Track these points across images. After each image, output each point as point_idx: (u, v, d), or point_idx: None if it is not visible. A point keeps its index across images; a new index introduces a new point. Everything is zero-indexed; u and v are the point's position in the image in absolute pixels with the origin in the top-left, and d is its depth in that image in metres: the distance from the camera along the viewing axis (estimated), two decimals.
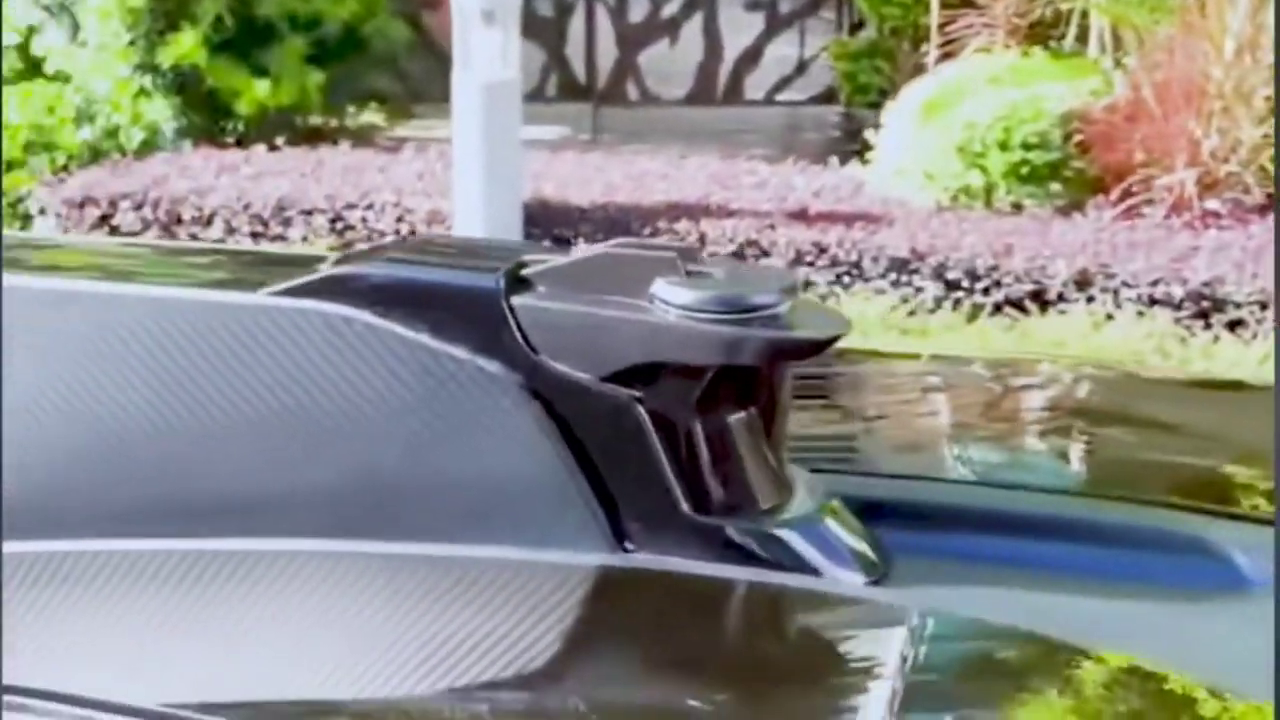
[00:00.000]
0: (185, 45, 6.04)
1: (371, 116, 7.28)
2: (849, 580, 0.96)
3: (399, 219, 5.26)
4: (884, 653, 0.90)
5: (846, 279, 4.89)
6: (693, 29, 8.83)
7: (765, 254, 4.94)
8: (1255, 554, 0.97)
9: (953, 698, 0.87)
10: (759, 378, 1.00)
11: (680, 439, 0.99)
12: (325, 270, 0.99)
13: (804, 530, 0.98)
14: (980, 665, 0.90)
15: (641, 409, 0.98)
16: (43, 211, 5.64)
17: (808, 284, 4.83)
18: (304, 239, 5.18)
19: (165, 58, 6.05)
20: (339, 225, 5.28)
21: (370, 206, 5.31)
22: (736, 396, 0.99)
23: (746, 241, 5.00)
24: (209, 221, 5.35)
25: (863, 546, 1.00)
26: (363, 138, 6.69)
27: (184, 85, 6.19)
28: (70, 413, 1.01)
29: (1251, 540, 0.99)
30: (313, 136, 6.44)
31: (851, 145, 6.43)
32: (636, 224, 5.13)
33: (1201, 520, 1.05)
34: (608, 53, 8.83)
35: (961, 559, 1.01)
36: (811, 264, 4.85)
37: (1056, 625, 0.89)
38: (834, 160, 6.15)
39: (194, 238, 5.34)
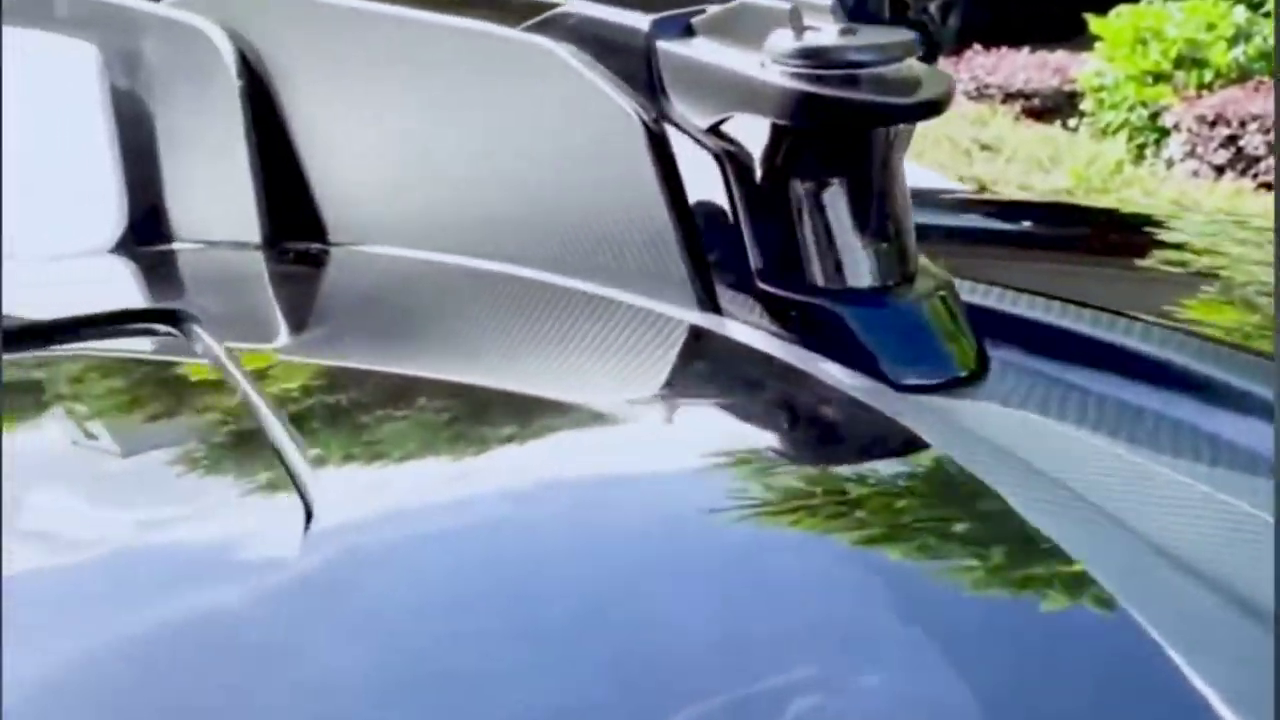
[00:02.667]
0: None
1: None
2: (905, 382, 0.85)
3: None
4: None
5: None
6: None
7: None
8: None
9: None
10: (858, 143, 0.89)
11: (760, 201, 0.92)
12: (558, 10, 1.04)
13: (884, 317, 0.88)
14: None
15: (728, 164, 0.93)
16: (1176, 127, 5.71)
17: None
18: None
19: None
20: None
21: None
22: (829, 161, 0.90)
23: None
24: None
25: (947, 354, 0.88)
26: None
27: None
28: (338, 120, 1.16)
29: None
30: None
31: None
32: None
33: None
34: None
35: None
36: None
37: None
38: None
39: None
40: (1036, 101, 6.42)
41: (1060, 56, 6.71)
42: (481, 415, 0.92)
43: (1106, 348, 0.90)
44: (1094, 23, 6.26)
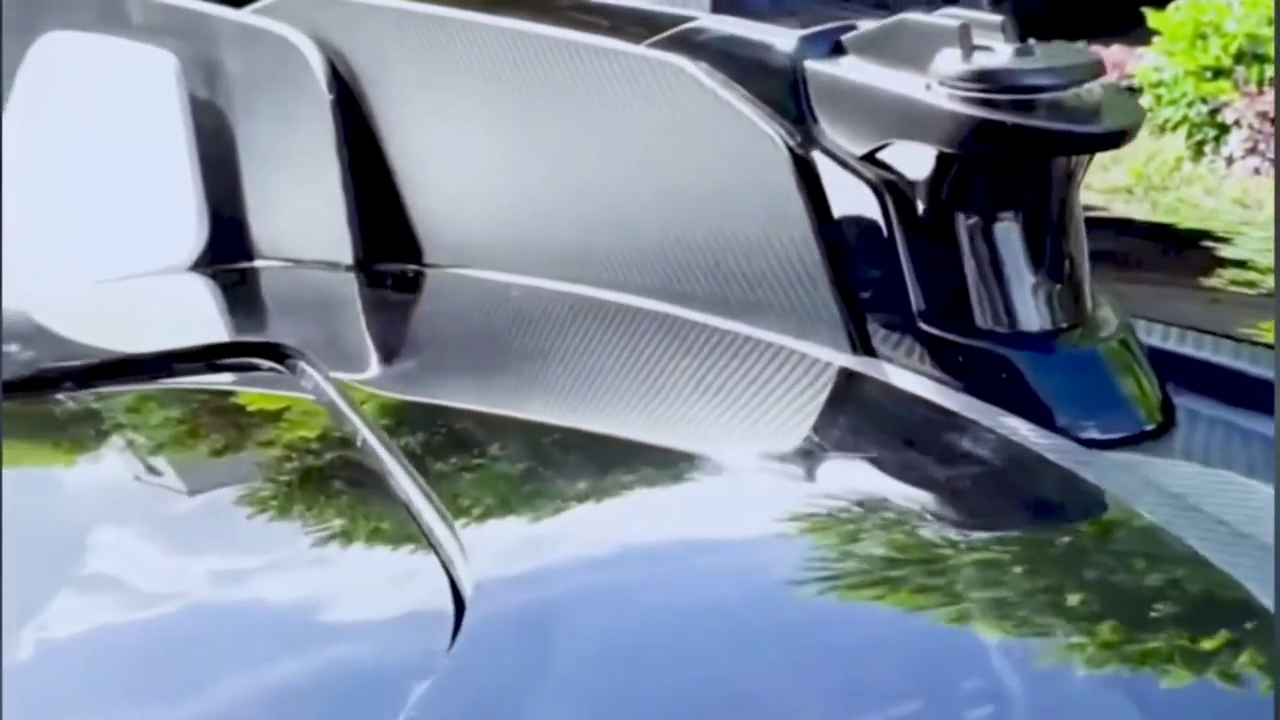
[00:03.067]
0: None
1: None
2: (1081, 436, 0.78)
3: None
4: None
5: None
6: None
7: None
8: None
9: None
10: (1034, 174, 0.82)
11: (923, 235, 0.85)
12: (682, 27, 0.97)
13: (1058, 365, 0.81)
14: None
15: (886, 195, 0.86)
16: (1237, 123, 5.60)
17: None
18: None
19: None
20: None
21: None
22: (1001, 193, 0.83)
23: None
24: None
25: (1131, 399, 0.79)
26: None
27: None
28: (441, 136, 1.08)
29: None
30: None
31: None
32: None
33: None
34: None
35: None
36: None
37: None
38: None
39: None
40: None
41: (1117, 51, 6.60)
42: (611, 467, 0.85)
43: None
44: (1152, 16, 6.14)
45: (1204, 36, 5.92)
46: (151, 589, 0.71)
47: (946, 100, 0.81)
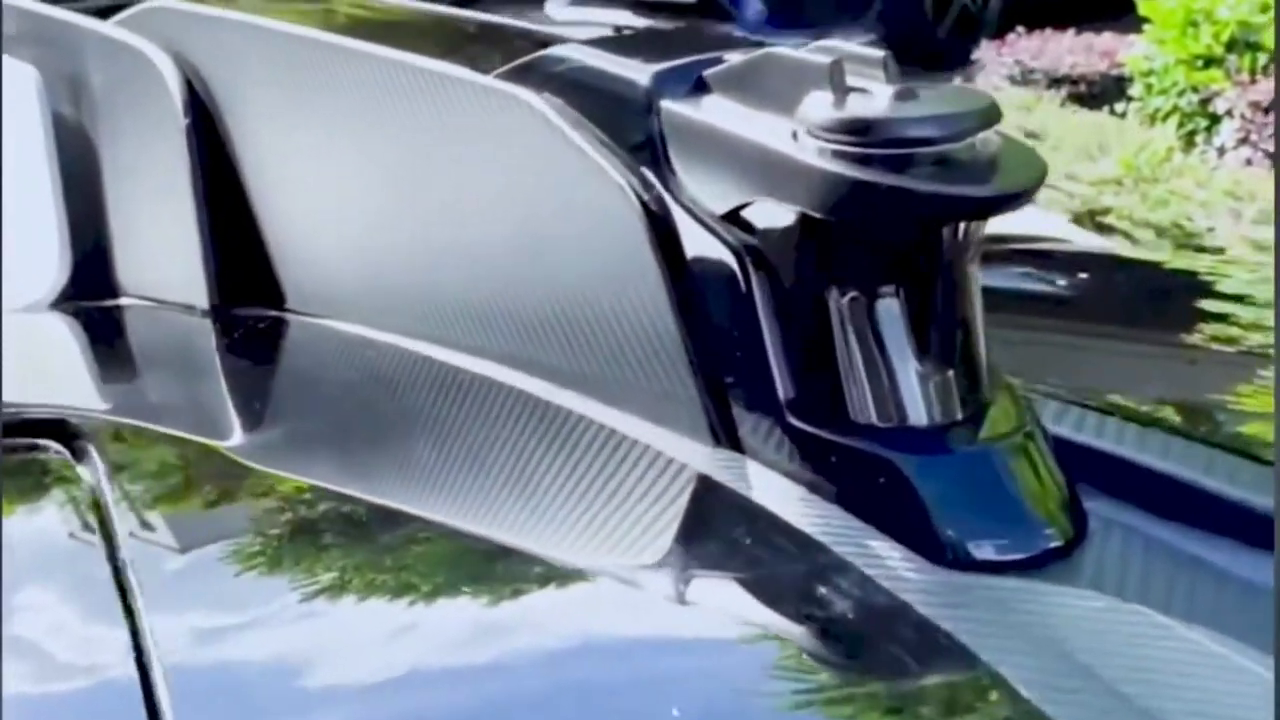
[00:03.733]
0: None
1: None
2: (971, 557, 0.64)
3: None
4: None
5: None
6: None
7: None
8: None
9: None
10: (919, 243, 0.68)
11: (791, 311, 0.71)
12: (536, 55, 0.85)
13: (948, 469, 0.67)
14: None
15: (751, 265, 0.72)
16: (1229, 113, 5.48)
17: None
18: None
19: None
20: None
21: None
22: (880, 265, 0.69)
23: None
24: None
25: (1031, 511, 0.66)
26: None
27: None
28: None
29: None
30: None
31: None
32: None
33: None
34: None
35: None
36: None
37: None
38: None
39: None
40: (1083, 87, 6.19)
41: (1107, 39, 6.47)
42: (451, 569, 0.74)
43: (1217, 501, 0.70)
44: (1143, 3, 6.01)
45: (1195, 24, 5.79)
46: None
47: (815, 155, 0.67)
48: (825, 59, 0.69)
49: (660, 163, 0.77)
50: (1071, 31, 6.59)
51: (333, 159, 0.99)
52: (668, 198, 0.76)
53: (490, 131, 0.84)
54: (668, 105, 0.76)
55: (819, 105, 0.68)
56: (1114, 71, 6.16)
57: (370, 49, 0.94)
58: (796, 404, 0.71)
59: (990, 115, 0.66)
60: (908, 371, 0.69)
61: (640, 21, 8.28)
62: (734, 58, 0.77)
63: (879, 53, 0.69)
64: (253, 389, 1.02)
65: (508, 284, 0.85)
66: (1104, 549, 0.66)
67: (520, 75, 0.84)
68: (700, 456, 0.74)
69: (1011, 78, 6.28)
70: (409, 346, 0.92)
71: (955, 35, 7.71)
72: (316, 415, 0.95)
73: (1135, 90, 5.98)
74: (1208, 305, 1.26)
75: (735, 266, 0.73)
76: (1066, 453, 0.70)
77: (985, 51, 6.51)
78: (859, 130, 0.66)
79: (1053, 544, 0.66)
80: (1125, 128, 5.81)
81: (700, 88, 0.77)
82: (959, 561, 0.65)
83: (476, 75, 0.86)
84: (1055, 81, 6.23)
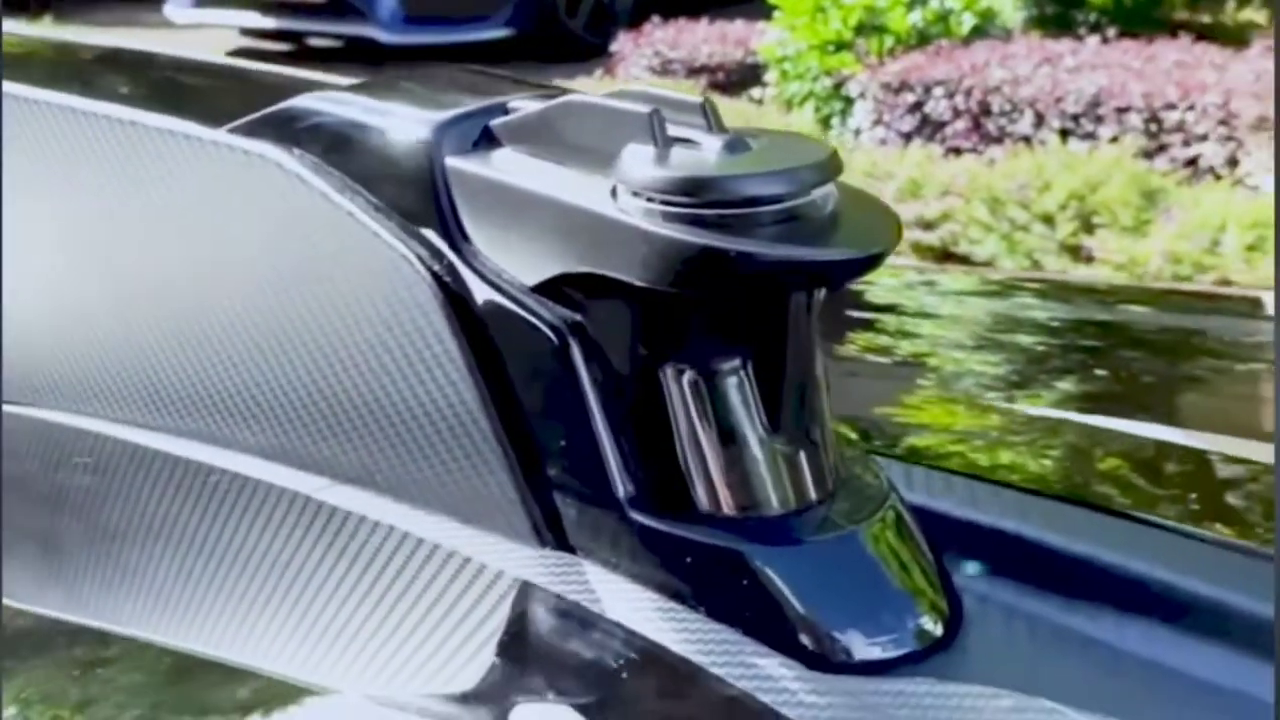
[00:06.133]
0: None
1: (1253, 14, 6.72)
2: (847, 655, 0.59)
3: (1221, 122, 4.77)
4: None
5: None
6: None
7: None
8: None
9: None
10: (758, 311, 0.62)
11: (627, 394, 0.64)
12: (282, 105, 0.75)
13: (795, 557, 0.61)
14: None
15: (574, 342, 0.65)
16: (862, 95, 5.66)
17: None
18: (1113, 139, 4.83)
19: None
20: (1153, 127, 4.87)
21: (1191, 108, 4.84)
22: (718, 338, 0.63)
23: None
24: (1017, 112, 5.12)
25: (906, 607, 0.61)
26: (1235, 37, 6.14)
27: None
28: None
29: None
30: (1168, 32, 6.00)
31: None
32: None
33: None
34: None
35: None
36: None
37: None
38: None
39: (1001, 130, 5.16)
40: (721, 75, 6.29)
41: (739, 27, 6.60)
42: (160, 695, 0.64)
43: (1092, 567, 0.66)
44: None
45: (824, 10, 5.95)
46: None
47: (644, 217, 0.60)
48: (638, 107, 0.62)
49: (448, 228, 0.68)
50: (705, 21, 6.70)
51: (52, 227, 0.87)
52: (462, 268, 0.67)
53: (231, 194, 0.74)
54: (454, 163, 0.67)
55: (640, 160, 0.60)
56: (749, 60, 6.29)
57: (76, 103, 0.82)
58: (637, 498, 0.64)
59: (834, 166, 0.61)
60: (759, 452, 0.62)
61: (268, 22, 8.00)
62: (522, 104, 0.69)
63: (696, 99, 0.63)
64: None
65: (281, 372, 0.75)
66: (983, 631, 0.62)
67: (264, 128, 0.74)
68: (522, 560, 0.66)
69: (651, 68, 6.33)
70: (143, 440, 0.81)
71: (590, 27, 7.75)
72: (21, 521, 0.83)
73: (771, 77, 6.11)
74: (856, 314, 1.22)
75: (553, 344, 0.65)
76: (928, 522, 0.65)
77: (624, 43, 6.55)
78: (695, 188, 0.59)
79: (929, 633, 0.61)
80: (765, 114, 5.93)
81: (487, 141, 0.68)
82: (832, 663, 0.59)
83: (206, 130, 0.75)
84: (694, 71, 6.32)
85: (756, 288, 0.60)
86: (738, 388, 0.62)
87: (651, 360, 0.63)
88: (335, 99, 0.73)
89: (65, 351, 0.87)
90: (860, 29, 5.93)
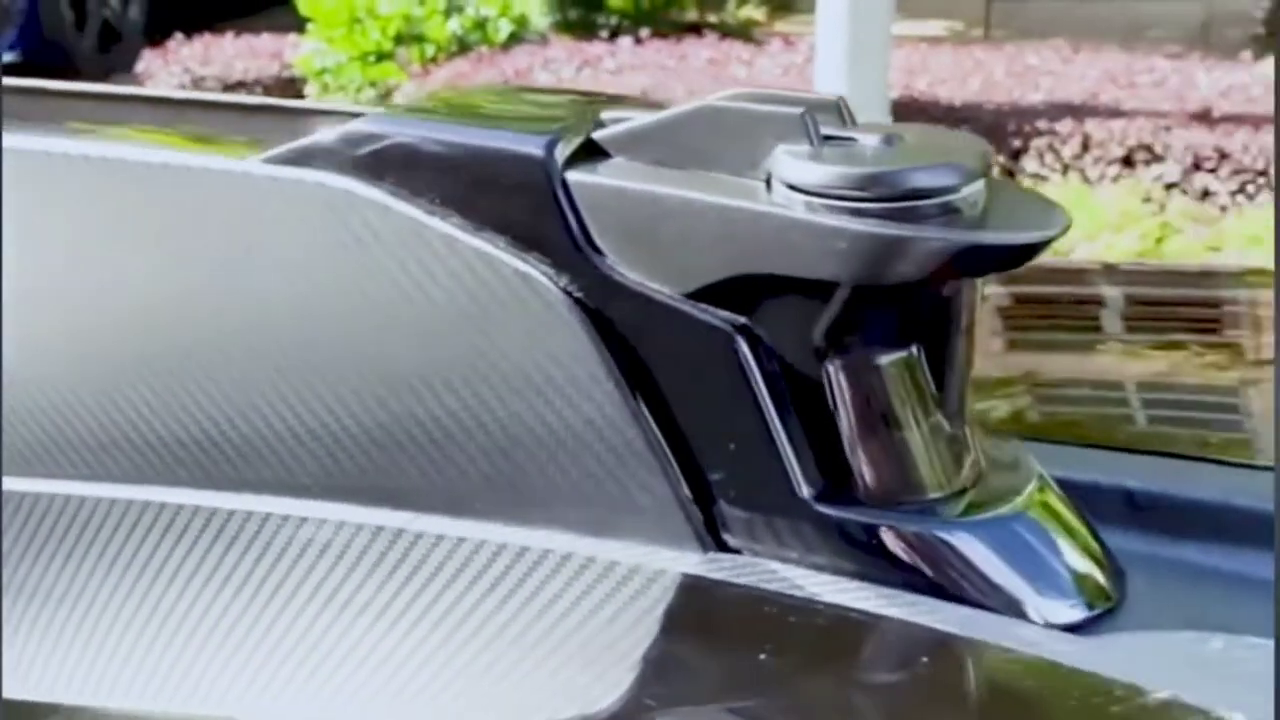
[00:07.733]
0: None
1: (752, 11, 7.13)
2: (1050, 619, 0.63)
3: None
4: None
5: (1251, 188, 4.42)
6: None
7: (1157, 158, 4.51)
8: None
9: None
10: (926, 300, 0.65)
11: (800, 390, 0.65)
12: (333, 130, 0.70)
13: (985, 534, 0.63)
14: None
15: (743, 344, 0.65)
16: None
17: (1206, 193, 4.40)
18: None
19: None
20: None
21: None
22: (891, 328, 0.65)
23: (1137, 145, 4.57)
24: None
25: (1087, 569, 0.65)
26: (741, 34, 6.48)
27: None
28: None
29: None
30: (689, 32, 6.27)
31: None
32: (1013, 122, 4.75)
33: None
34: None
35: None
36: (1213, 171, 4.43)
37: None
38: (1247, 56, 5.62)
39: None
40: (260, 90, 6.13)
41: (269, 40, 6.45)
42: None
43: (1226, 513, 0.70)
44: (302, 3, 6.04)
45: (360, 21, 5.90)
46: None
47: (807, 212, 0.61)
48: (787, 109, 0.61)
49: (576, 243, 0.64)
50: (231, 35, 6.50)
51: (85, 281, 0.76)
52: (598, 282, 0.64)
53: (296, 230, 0.67)
54: (578, 177, 0.64)
55: (802, 159, 0.60)
56: (285, 73, 6.16)
57: (106, 151, 0.73)
58: (818, 491, 0.64)
59: (986, 159, 0.62)
60: (936, 436, 0.64)
61: None
62: (625, 115, 0.67)
63: (832, 97, 0.63)
64: None
65: (357, 402, 0.68)
66: (1148, 584, 0.65)
67: (309, 158, 0.68)
68: (691, 564, 0.64)
69: (182, 85, 6.10)
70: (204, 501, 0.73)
71: (99, 46, 7.39)
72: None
73: (311, 89, 6.01)
74: None
75: (722, 347, 0.64)
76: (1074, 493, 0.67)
77: (150, 61, 6.27)
78: (866, 184, 0.60)
79: (1108, 591, 0.64)
80: None
81: (589, 153, 0.66)
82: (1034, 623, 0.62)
83: (241, 163, 0.68)
84: (229, 87, 6.13)
85: (954, 273, 0.62)
86: (912, 376, 0.63)
87: (821, 354, 0.63)
88: (401, 122, 0.68)
89: (108, 416, 0.76)
90: (400, 39, 5.91)
